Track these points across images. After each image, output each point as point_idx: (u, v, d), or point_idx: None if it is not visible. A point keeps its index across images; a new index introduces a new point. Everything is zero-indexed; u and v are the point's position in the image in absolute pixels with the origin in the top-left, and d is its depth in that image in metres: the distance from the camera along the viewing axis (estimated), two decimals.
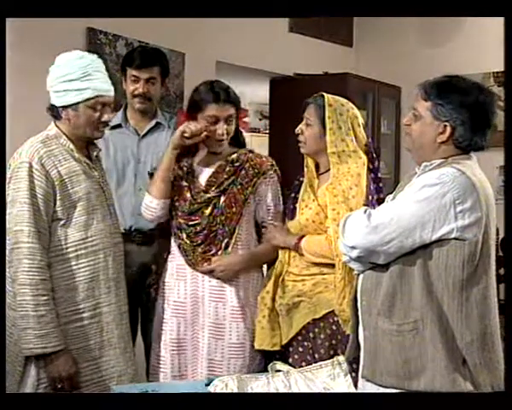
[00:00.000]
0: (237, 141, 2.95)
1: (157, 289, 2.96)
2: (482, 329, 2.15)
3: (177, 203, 2.86)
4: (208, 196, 2.82)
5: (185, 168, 2.89)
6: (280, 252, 2.88)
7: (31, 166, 2.51)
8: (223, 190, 2.83)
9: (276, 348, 2.77)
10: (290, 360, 2.71)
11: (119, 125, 3.29)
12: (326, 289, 2.74)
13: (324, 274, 2.75)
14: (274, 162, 2.95)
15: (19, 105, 3.74)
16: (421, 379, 2.13)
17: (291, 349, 2.77)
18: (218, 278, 2.83)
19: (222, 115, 2.83)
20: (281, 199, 2.96)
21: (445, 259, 2.14)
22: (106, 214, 2.66)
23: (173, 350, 2.82)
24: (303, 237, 2.78)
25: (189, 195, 2.84)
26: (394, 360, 2.17)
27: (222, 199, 2.83)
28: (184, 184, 2.86)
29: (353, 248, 2.20)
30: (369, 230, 2.16)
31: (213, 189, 2.83)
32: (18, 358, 2.53)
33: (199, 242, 2.82)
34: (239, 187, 2.85)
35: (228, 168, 2.86)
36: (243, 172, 2.87)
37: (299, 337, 2.76)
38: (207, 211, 2.82)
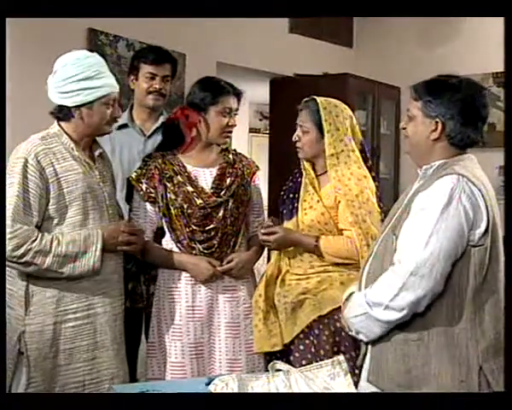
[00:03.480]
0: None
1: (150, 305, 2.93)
2: (496, 334, 2.13)
3: (189, 211, 2.82)
4: (220, 200, 2.84)
5: (182, 172, 2.88)
6: (273, 253, 2.88)
7: (26, 162, 2.51)
8: (232, 194, 2.86)
9: (277, 348, 2.77)
10: (291, 359, 2.71)
11: (125, 125, 3.29)
12: (331, 286, 2.75)
13: (329, 272, 2.77)
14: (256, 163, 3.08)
15: (19, 106, 3.74)
16: (423, 389, 2.12)
17: (292, 348, 2.78)
18: (233, 277, 2.85)
19: (234, 107, 2.90)
20: (262, 198, 3.07)
21: (455, 268, 2.13)
22: (103, 215, 2.65)
23: (191, 355, 2.80)
24: (318, 237, 2.78)
25: (200, 201, 2.82)
26: (397, 368, 2.17)
27: (231, 201, 2.85)
28: (190, 189, 2.84)
29: (418, 303, 2.15)
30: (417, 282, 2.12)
31: (223, 192, 2.86)
32: (10, 356, 2.52)
33: (215, 246, 2.83)
34: (242, 188, 2.91)
35: (229, 170, 2.91)
36: (240, 172, 2.93)
37: (301, 335, 2.77)
38: (219, 214, 2.83)
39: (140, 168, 2.91)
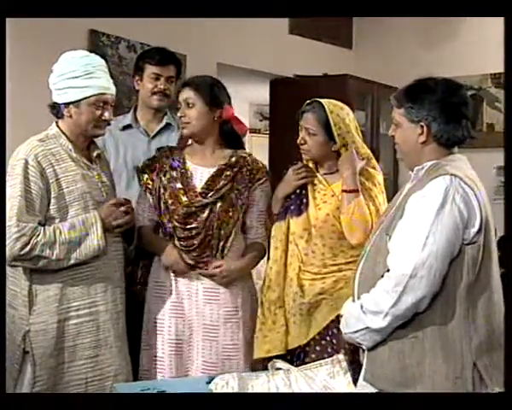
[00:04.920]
0: (234, 142, 2.93)
1: (145, 289, 2.93)
2: (489, 330, 2.15)
3: (172, 207, 2.83)
4: (206, 201, 2.81)
5: (178, 168, 2.88)
6: (274, 252, 2.86)
7: (26, 163, 2.52)
8: (220, 197, 2.82)
9: (273, 353, 2.71)
10: (307, 360, 2.68)
11: (129, 126, 3.31)
12: (346, 284, 2.73)
13: (342, 271, 2.76)
14: (267, 168, 3.01)
15: (20, 107, 3.74)
16: (418, 387, 2.13)
17: (308, 349, 2.77)
18: (216, 282, 2.82)
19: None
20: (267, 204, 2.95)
21: (450, 266, 2.14)
22: None
23: (171, 351, 2.81)
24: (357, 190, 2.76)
25: (185, 198, 2.82)
26: (392, 366, 2.18)
27: (219, 204, 2.81)
28: (179, 186, 2.84)
29: (419, 305, 2.15)
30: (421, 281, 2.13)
31: (211, 194, 2.82)
32: (15, 356, 2.54)
33: (194, 245, 2.81)
34: (236, 192, 2.85)
35: (227, 172, 2.85)
36: (240, 176, 2.87)
37: (317, 337, 2.76)
38: (204, 215, 2.80)
39: (148, 159, 2.97)
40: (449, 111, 2.24)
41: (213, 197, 2.81)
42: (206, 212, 2.80)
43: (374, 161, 2.92)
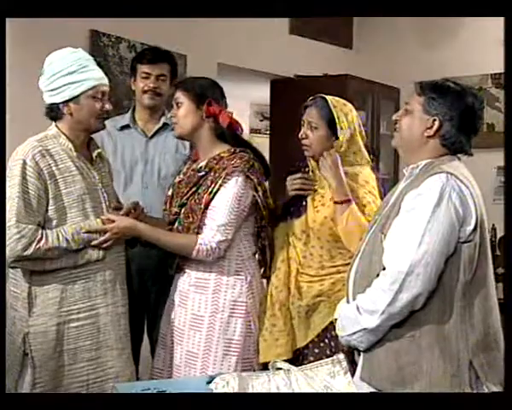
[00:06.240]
0: (232, 140, 2.81)
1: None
2: (485, 329, 2.16)
3: (164, 212, 2.88)
4: (175, 210, 2.80)
5: (182, 174, 2.88)
6: (281, 252, 2.86)
7: (24, 163, 2.52)
8: (182, 205, 2.79)
9: (283, 357, 2.64)
10: (305, 362, 2.64)
11: (127, 126, 3.31)
12: (344, 287, 2.72)
13: (340, 273, 2.74)
14: (243, 165, 2.70)
15: (20, 108, 3.74)
16: (415, 386, 2.13)
17: (306, 351, 2.76)
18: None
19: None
20: (227, 207, 2.69)
21: (446, 264, 2.15)
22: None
23: (160, 345, 2.85)
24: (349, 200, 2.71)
25: (168, 205, 2.86)
26: (389, 365, 2.18)
27: (182, 211, 2.79)
28: (169, 193, 2.88)
29: (415, 302, 2.16)
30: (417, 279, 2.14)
31: (176, 202, 2.81)
32: (16, 357, 2.54)
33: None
34: (196, 197, 2.75)
35: (194, 179, 2.79)
36: (209, 178, 2.74)
37: (316, 339, 2.75)
38: (175, 225, 2.80)
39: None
40: (466, 120, 2.25)
41: (177, 207, 2.80)
42: (176, 222, 2.79)
43: (370, 163, 2.90)
